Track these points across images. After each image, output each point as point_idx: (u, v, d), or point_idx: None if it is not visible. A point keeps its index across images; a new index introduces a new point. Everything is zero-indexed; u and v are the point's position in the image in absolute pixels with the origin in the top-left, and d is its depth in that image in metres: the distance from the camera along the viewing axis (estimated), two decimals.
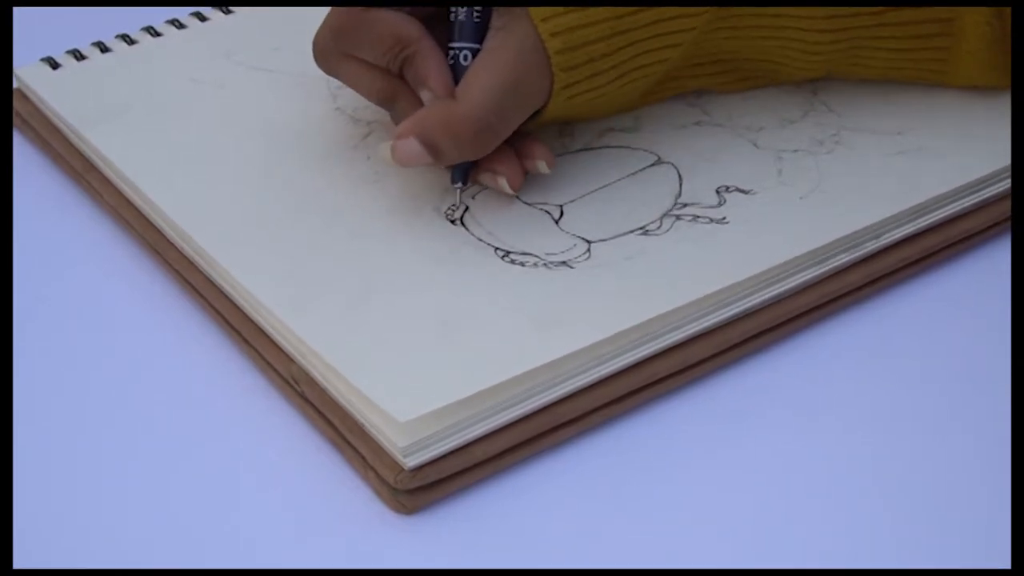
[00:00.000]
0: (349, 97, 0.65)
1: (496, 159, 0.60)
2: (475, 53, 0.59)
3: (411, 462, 0.51)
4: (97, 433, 0.55)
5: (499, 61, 0.58)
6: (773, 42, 0.63)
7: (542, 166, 0.60)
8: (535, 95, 0.59)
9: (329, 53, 0.61)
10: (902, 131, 0.64)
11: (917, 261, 0.61)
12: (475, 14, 0.59)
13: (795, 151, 0.63)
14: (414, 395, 0.52)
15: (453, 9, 0.60)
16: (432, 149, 0.58)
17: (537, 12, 0.58)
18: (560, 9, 0.58)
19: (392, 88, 0.60)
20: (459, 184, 0.60)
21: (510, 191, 0.60)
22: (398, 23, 0.59)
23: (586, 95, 0.60)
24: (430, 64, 0.59)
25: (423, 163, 0.58)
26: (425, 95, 0.59)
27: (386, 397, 0.52)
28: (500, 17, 0.59)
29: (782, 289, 0.58)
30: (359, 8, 0.59)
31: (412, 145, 0.58)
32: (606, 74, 0.59)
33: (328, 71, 0.62)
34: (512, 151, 0.60)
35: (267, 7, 0.71)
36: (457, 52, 0.60)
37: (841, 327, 0.59)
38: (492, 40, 0.59)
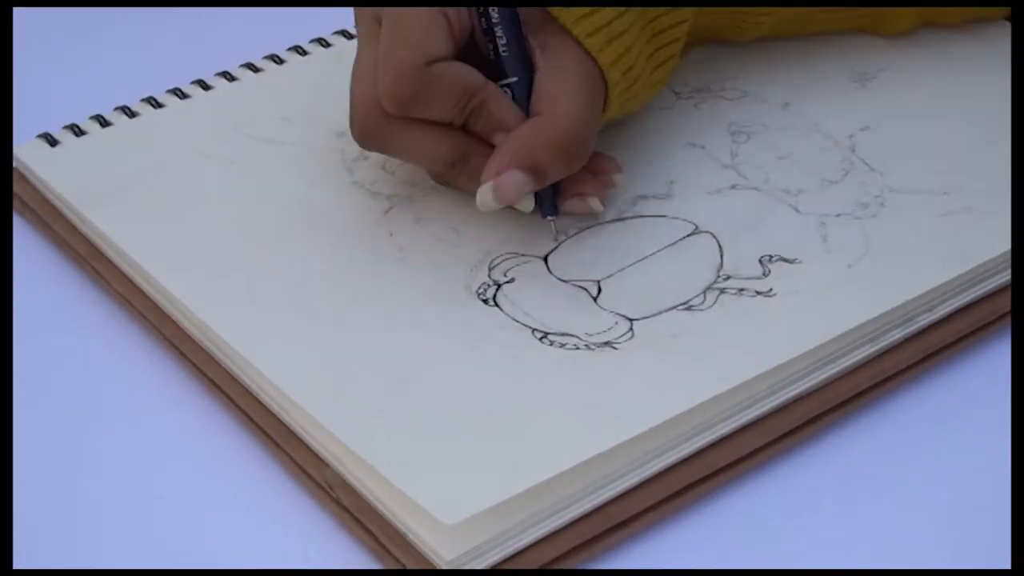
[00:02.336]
0: (366, 170, 0.63)
1: (579, 182, 0.59)
2: (521, 84, 0.58)
3: None
4: (119, 549, 0.52)
5: (569, 74, 0.57)
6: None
7: (619, 179, 0.61)
8: (601, 98, 0.58)
9: (381, 126, 0.57)
10: (948, 190, 0.61)
11: (971, 333, 0.58)
12: (503, 48, 0.57)
13: (838, 215, 0.60)
14: (459, 496, 0.49)
15: (492, 47, 0.57)
16: (537, 174, 0.57)
17: (573, 26, 0.57)
18: (585, 10, 0.57)
19: (463, 145, 0.57)
20: (553, 216, 0.59)
21: (602, 208, 0.60)
22: (462, 73, 0.56)
23: (633, 88, 0.60)
24: (505, 108, 0.57)
25: (526, 192, 0.57)
26: (503, 139, 0.57)
27: (430, 499, 0.49)
28: (536, 36, 0.58)
29: (835, 370, 0.55)
30: (415, 69, 0.55)
31: (515, 176, 0.56)
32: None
33: (378, 146, 0.58)
34: (587, 170, 0.59)
35: (273, 76, 0.68)
36: (512, 87, 0.58)
37: (896, 407, 0.57)
38: (546, 59, 0.58)
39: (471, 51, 0.58)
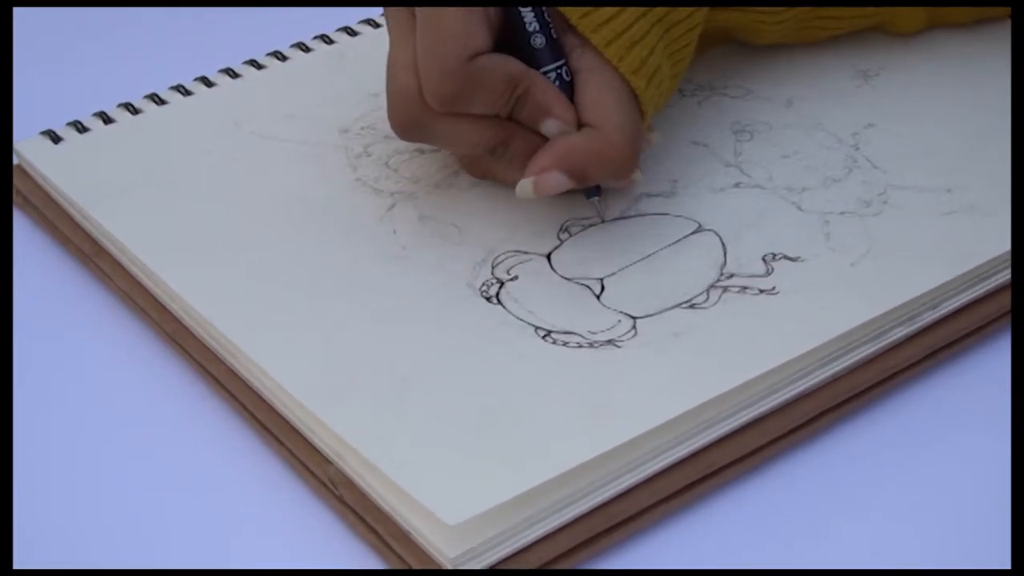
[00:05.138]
0: (370, 167, 0.63)
1: None
2: (563, 69, 0.58)
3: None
4: (120, 548, 0.51)
5: (609, 78, 0.57)
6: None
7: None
8: (637, 104, 0.59)
9: (422, 118, 0.57)
10: (951, 188, 0.61)
11: (974, 331, 0.58)
12: (538, 40, 0.57)
13: (842, 213, 0.60)
14: (462, 496, 0.49)
15: (531, 35, 0.57)
16: (580, 178, 0.57)
17: (592, 35, 0.57)
18: (603, 17, 0.57)
19: (503, 132, 0.57)
20: (596, 196, 0.59)
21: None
22: (505, 64, 0.56)
23: (661, 88, 0.60)
24: (550, 94, 0.57)
25: (564, 190, 0.58)
26: (549, 125, 0.57)
27: (433, 499, 0.49)
28: (566, 36, 0.58)
29: (838, 368, 0.55)
30: (459, 65, 0.55)
31: (556, 177, 0.57)
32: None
33: (419, 138, 0.58)
34: None
35: (276, 73, 0.68)
36: (559, 71, 0.58)
37: (898, 405, 0.56)
38: (583, 62, 0.58)
39: (508, 41, 0.57)
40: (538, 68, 0.57)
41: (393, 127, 0.57)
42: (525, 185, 0.57)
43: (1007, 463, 0.53)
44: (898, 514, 0.52)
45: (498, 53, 0.56)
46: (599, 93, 0.57)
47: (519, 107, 0.57)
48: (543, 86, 0.57)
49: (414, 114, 0.56)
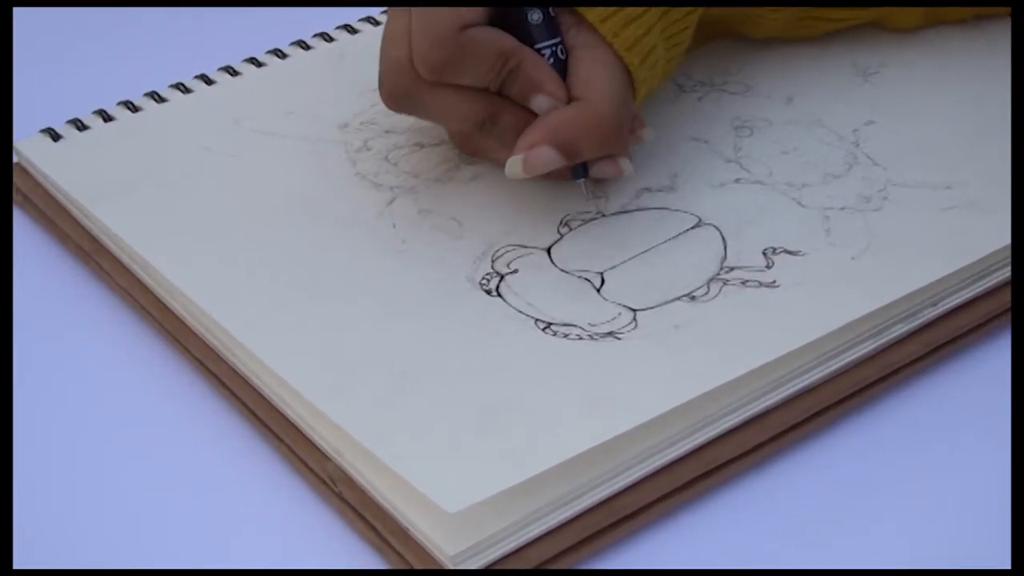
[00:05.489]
0: (369, 162, 0.62)
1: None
2: (558, 47, 0.58)
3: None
4: (120, 547, 0.51)
5: (602, 55, 0.57)
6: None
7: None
8: (630, 83, 0.59)
9: (412, 88, 0.57)
10: (951, 184, 0.61)
11: (975, 328, 0.58)
12: (534, 16, 0.58)
13: (842, 209, 0.60)
14: (462, 484, 0.49)
15: (527, 12, 0.58)
16: (570, 154, 0.57)
17: (587, 11, 0.57)
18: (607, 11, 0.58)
19: (493, 107, 0.58)
20: (583, 178, 0.59)
21: (632, 171, 0.59)
22: (497, 37, 0.57)
23: (655, 70, 0.60)
24: (542, 70, 0.57)
25: (555, 167, 0.57)
26: (540, 100, 0.57)
27: (433, 487, 0.48)
28: (562, 16, 0.58)
29: (839, 364, 0.55)
30: (450, 33, 0.55)
31: (547, 153, 0.57)
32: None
33: (408, 108, 0.58)
34: None
35: (276, 70, 0.68)
36: (554, 48, 0.58)
37: (900, 402, 0.56)
38: (577, 40, 0.58)
39: (506, 19, 0.58)
40: (534, 45, 0.57)
41: (383, 97, 0.58)
42: (515, 163, 0.57)
43: (1007, 461, 0.52)
44: (898, 512, 0.52)
45: (492, 27, 0.56)
46: (591, 69, 0.57)
47: (510, 82, 0.57)
48: (535, 62, 0.57)
49: (404, 84, 0.57)
